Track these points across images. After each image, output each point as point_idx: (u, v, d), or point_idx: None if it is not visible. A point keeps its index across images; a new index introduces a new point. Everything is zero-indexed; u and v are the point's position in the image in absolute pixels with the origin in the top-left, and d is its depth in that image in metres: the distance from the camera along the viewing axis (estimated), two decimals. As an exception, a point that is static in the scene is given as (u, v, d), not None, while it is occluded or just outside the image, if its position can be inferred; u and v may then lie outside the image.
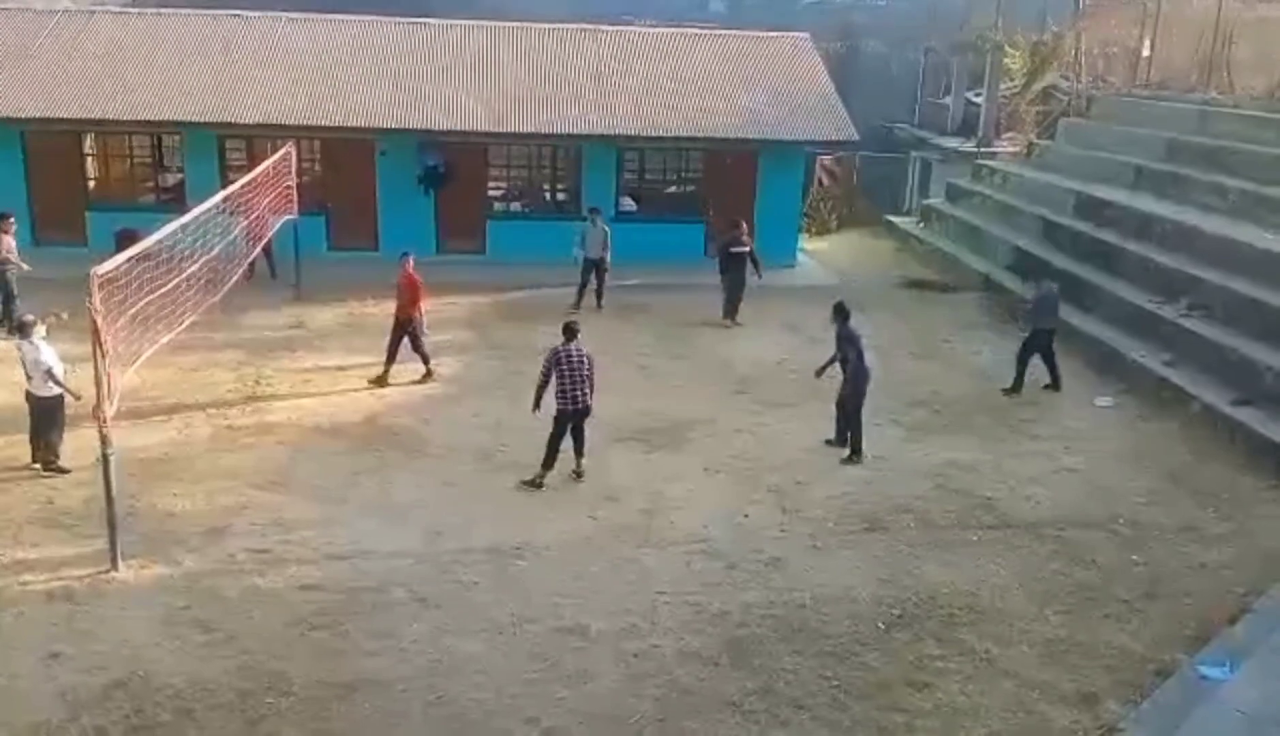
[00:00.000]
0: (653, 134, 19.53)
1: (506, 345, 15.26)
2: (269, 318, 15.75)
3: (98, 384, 8.65)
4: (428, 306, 13.84)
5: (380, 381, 13.41)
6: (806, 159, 22.03)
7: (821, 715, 7.38)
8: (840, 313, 11.88)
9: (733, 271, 16.64)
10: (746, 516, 10.33)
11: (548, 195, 21.43)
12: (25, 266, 14.82)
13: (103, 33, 20.22)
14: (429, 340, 13.76)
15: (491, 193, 20.80)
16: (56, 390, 10.48)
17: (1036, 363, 13.79)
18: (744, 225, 17.06)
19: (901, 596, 8.91)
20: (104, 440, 8.66)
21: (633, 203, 20.94)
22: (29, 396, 10.56)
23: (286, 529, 9.66)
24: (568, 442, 10.79)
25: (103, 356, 8.58)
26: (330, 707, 7.24)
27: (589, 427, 11.00)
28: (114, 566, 8.75)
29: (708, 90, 20.62)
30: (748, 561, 9.42)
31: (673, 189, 21.67)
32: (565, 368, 10.59)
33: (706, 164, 20.81)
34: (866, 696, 7.60)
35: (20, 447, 10.84)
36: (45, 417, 10.55)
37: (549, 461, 10.71)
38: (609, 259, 16.89)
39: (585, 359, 10.77)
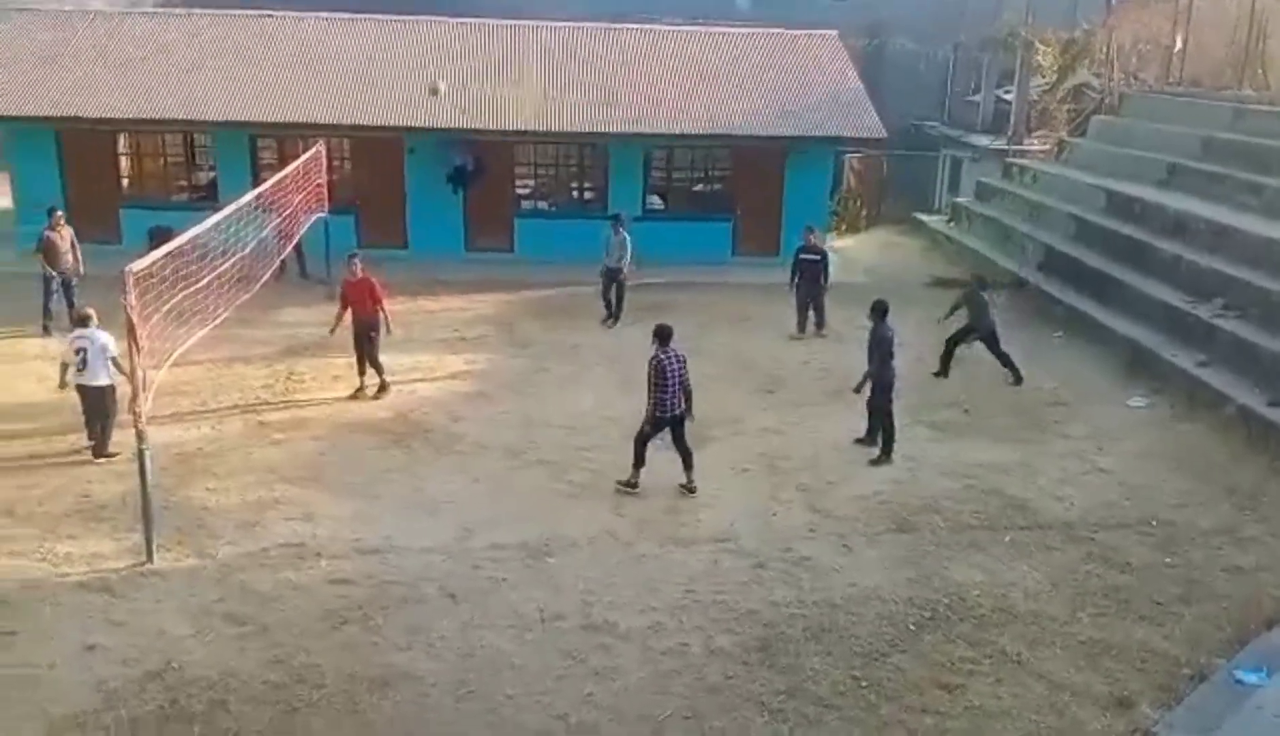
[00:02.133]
0: (680, 132, 19.53)
1: (535, 343, 15.32)
2: (299, 315, 15.88)
3: (133, 380, 8.77)
4: (460, 304, 13.84)
5: (381, 391, 12.95)
6: (835, 157, 21.97)
7: (851, 715, 7.36)
8: (877, 310, 11.82)
9: (805, 282, 15.95)
10: (775, 515, 10.31)
11: (575, 193, 21.49)
12: (82, 270, 14.90)
13: (136, 33, 20.49)
14: (456, 337, 13.78)
15: (520, 191, 20.88)
16: (107, 380, 10.74)
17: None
18: (816, 231, 16.49)
19: (932, 597, 8.86)
20: (139, 435, 8.77)
21: (660, 200, 20.95)
22: (81, 388, 10.82)
23: (318, 523, 9.75)
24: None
25: (137, 352, 8.69)
26: (361, 700, 7.30)
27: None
28: (149, 559, 8.87)
29: (735, 88, 20.59)
30: (776, 560, 9.41)
31: (700, 187, 21.66)
32: (668, 374, 10.31)
33: (734, 162, 20.78)
34: (896, 697, 7.56)
35: (57, 443, 11.04)
36: (99, 406, 10.83)
37: (640, 460, 10.53)
38: (626, 269, 16.26)
39: (683, 362, 10.55)
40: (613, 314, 16.36)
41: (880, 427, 11.66)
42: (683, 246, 19.50)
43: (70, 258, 14.93)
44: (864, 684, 7.70)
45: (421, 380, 13.57)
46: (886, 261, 21.77)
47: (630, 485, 10.58)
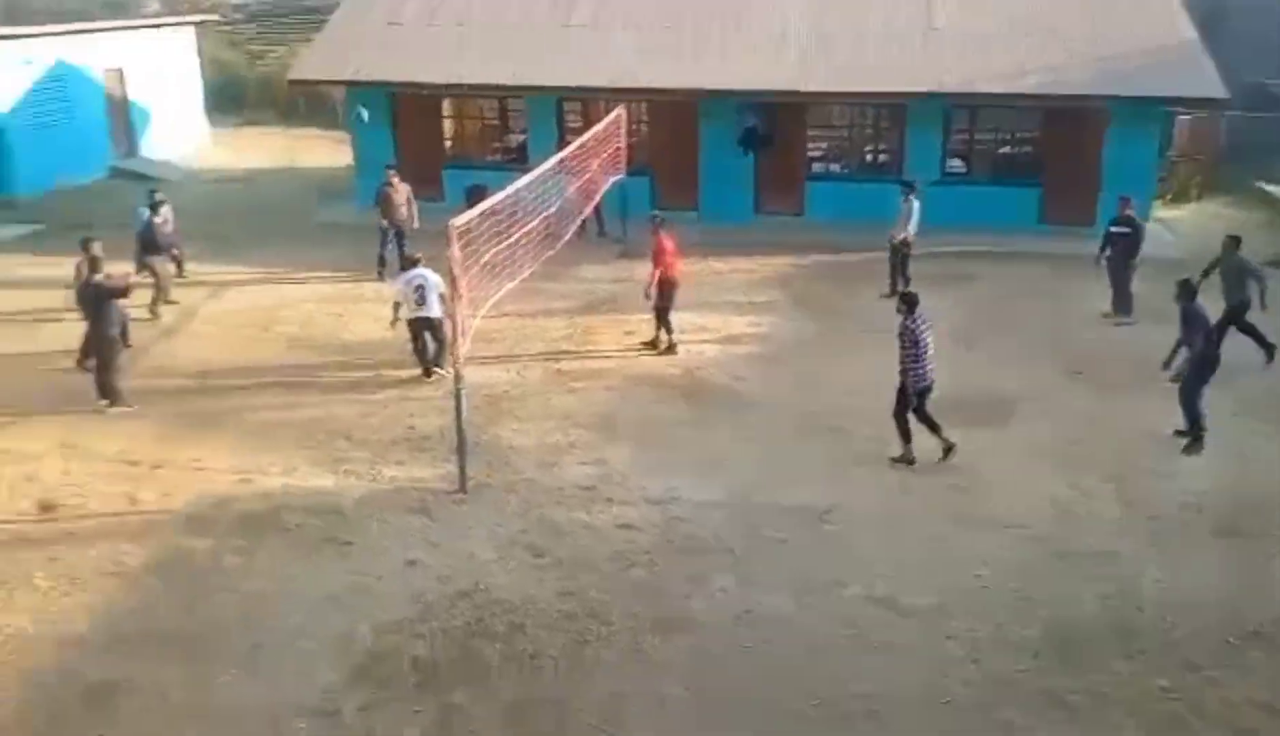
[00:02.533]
0: (987, 91, 18.40)
1: (820, 308, 15.15)
2: (598, 271, 16.62)
3: (453, 326, 9.56)
4: (748, 266, 13.92)
5: (668, 348, 13.26)
6: (1164, 118, 19.91)
7: (1156, 728, 6.80)
8: (1185, 290, 10.74)
9: (1115, 256, 14.60)
10: (1077, 504, 9.65)
11: (869, 156, 20.91)
12: (416, 224, 16.27)
13: (458, 5, 21.91)
14: (744, 300, 13.86)
15: (811, 153, 20.59)
16: (440, 312, 12.09)
17: None
18: (1130, 201, 15.01)
19: (1258, 609, 7.98)
20: (457, 376, 9.56)
21: (961, 163, 19.96)
22: (418, 321, 12.25)
23: (609, 469, 10.23)
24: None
25: (458, 301, 9.46)
26: (646, 641, 7.63)
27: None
28: (462, 488, 9.69)
29: (1049, 40, 19.09)
30: (1077, 552, 8.81)
31: (1006, 149, 20.40)
32: (920, 342, 10.07)
33: (1046, 123, 19.37)
34: (1209, 715, 6.90)
35: (387, 377, 12.33)
36: (436, 335, 12.32)
37: (907, 433, 10.32)
38: (899, 237, 15.25)
39: (931, 330, 10.30)
40: (893, 287, 15.68)
41: (1186, 412, 10.63)
42: (984, 213, 18.47)
43: (404, 211, 16.43)
44: (1172, 695, 7.08)
45: (708, 341, 13.82)
46: (1217, 235, 19.48)
47: (907, 460, 10.31)
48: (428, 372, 12.38)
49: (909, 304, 10.23)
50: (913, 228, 15.35)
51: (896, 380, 10.21)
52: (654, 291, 13.11)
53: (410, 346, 12.44)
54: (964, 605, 8.08)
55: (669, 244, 13.19)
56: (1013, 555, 8.79)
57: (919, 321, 10.11)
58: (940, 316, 14.60)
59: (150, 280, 14.55)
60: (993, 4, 19.97)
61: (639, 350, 13.45)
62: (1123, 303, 14.60)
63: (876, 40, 19.54)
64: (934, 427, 10.31)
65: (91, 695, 6.95)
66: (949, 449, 10.31)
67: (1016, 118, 19.91)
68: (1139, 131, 18.54)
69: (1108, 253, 14.77)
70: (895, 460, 10.36)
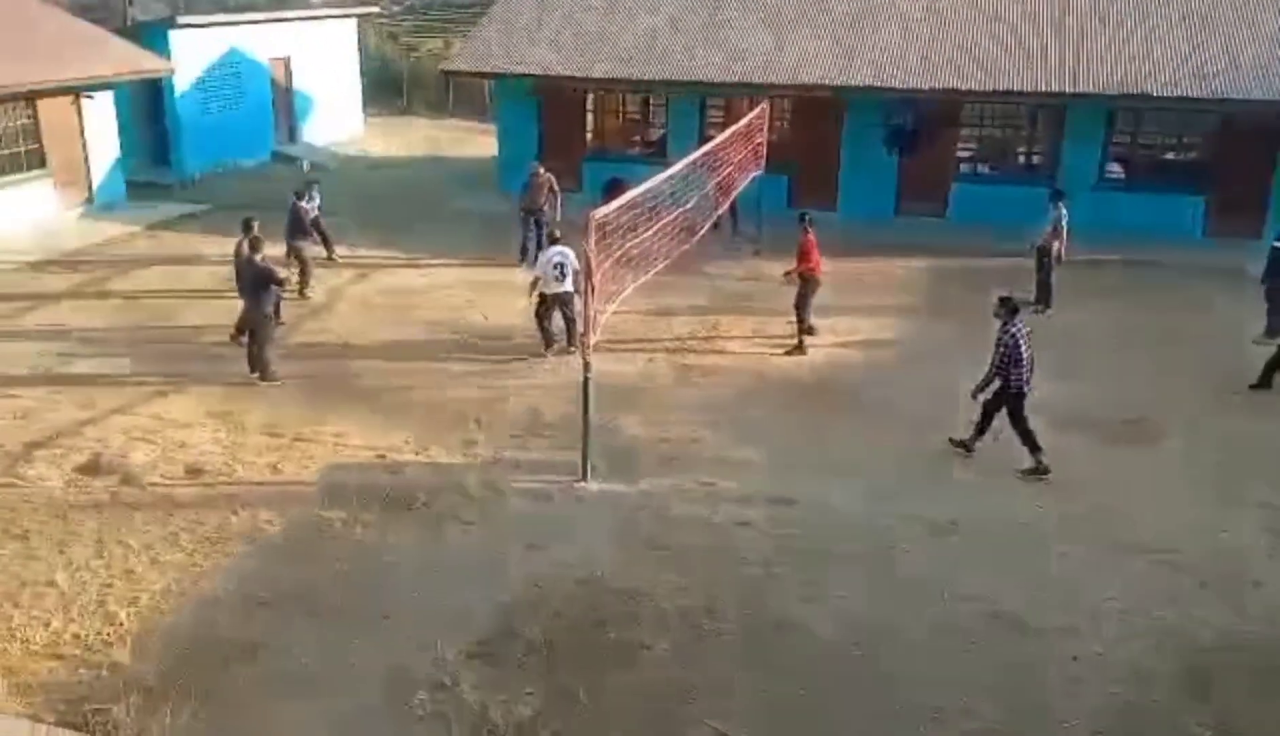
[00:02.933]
0: (1153, 94, 17.44)
1: (959, 314, 14.67)
2: (729, 269, 16.58)
3: (586, 315, 9.69)
4: (886, 269, 13.70)
5: (798, 348, 13.25)
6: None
7: (1301, 774, 6.36)
8: (1005, 306, 10.06)
9: (1275, 276, 13.54)
10: (1225, 531, 9.09)
11: (1021, 158, 20.14)
12: (559, 215, 16.60)
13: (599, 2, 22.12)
14: (878, 303, 13.60)
15: (960, 153, 19.98)
16: (570, 286, 12.64)
17: None
18: None
19: None
20: (586, 365, 9.70)
21: (1120, 168, 19.00)
22: (556, 297, 12.85)
23: (730, 466, 10.19)
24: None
25: (592, 292, 9.59)
26: (761, 641, 7.58)
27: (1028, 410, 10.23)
28: (584, 477, 9.83)
29: (1225, 37, 17.98)
30: (1222, 581, 8.31)
31: (1171, 154, 19.31)
32: (1022, 347, 9.85)
33: (1217, 127, 18.25)
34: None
35: (516, 365, 12.65)
36: (567, 311, 12.87)
37: (1035, 443, 10.00)
38: (1056, 247, 14.61)
39: (1030, 338, 10.03)
40: (1038, 295, 15.03)
41: None
42: (1144, 221, 17.64)
43: (545, 200, 16.75)
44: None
45: (839, 344, 13.59)
46: None
47: (1040, 471, 9.93)
48: (549, 346, 12.89)
49: (1010, 310, 9.97)
50: (1064, 238, 14.66)
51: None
52: (795, 279, 13.37)
53: (535, 323, 12.94)
54: (1094, 629, 7.72)
55: (814, 243, 13.30)
56: (1151, 580, 8.34)
57: (1018, 327, 9.85)
58: (1088, 328, 14.10)
59: (296, 265, 15.22)
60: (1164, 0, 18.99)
61: (772, 350, 13.35)
62: (1275, 326, 13.47)
63: (1037, 36, 18.81)
64: (977, 429, 10.21)
65: (228, 654, 7.36)
66: (1040, 470, 9.90)
67: (1185, 121, 18.83)
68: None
69: (1267, 273, 13.68)
70: (1026, 472, 10.00)
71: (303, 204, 15.65)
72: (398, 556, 8.63)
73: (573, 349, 12.55)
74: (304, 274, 15.29)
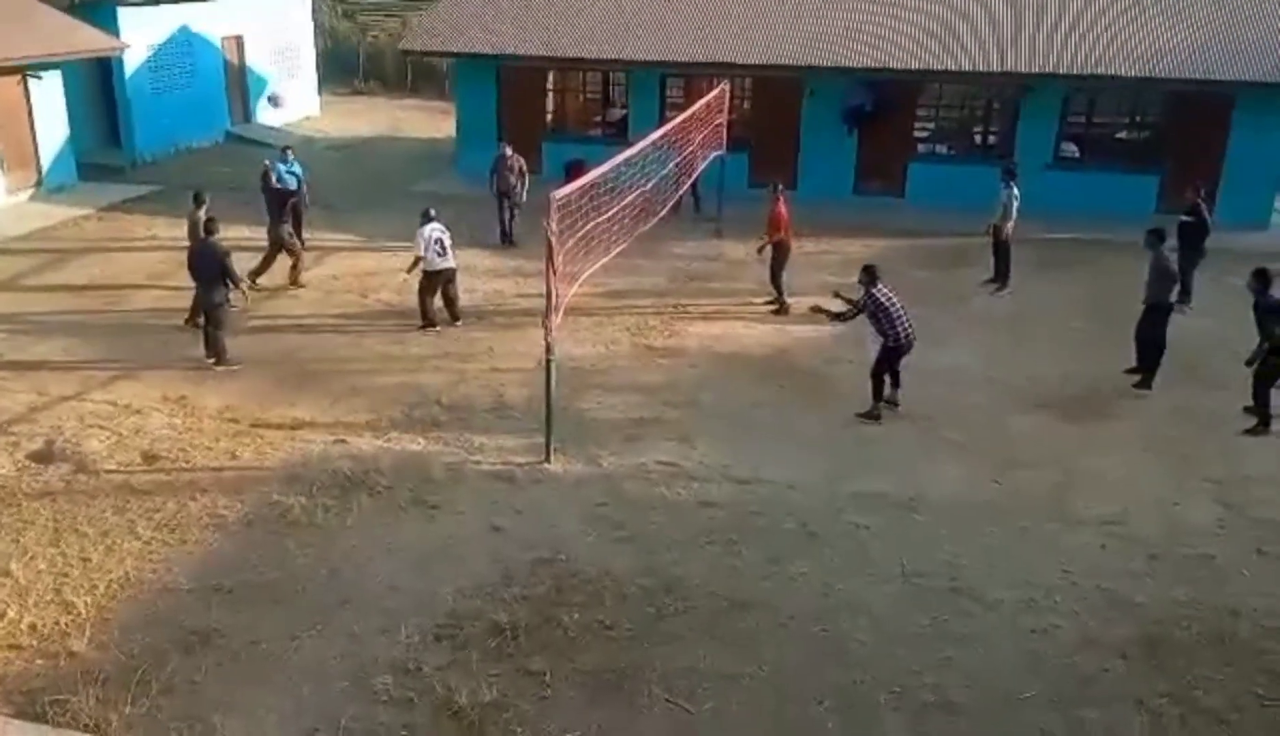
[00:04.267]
0: (1104, 73, 17.69)
1: (917, 293, 14.75)
2: (690, 249, 16.58)
3: (548, 296, 9.65)
4: (843, 248, 13.87)
5: (781, 308, 13.96)
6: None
7: (1248, 734, 6.55)
8: (1259, 278, 10.47)
9: (1184, 247, 14.00)
10: (1177, 504, 9.30)
11: (977, 138, 20.31)
12: (524, 197, 16.59)
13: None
14: (835, 281, 13.68)
15: (918, 134, 20.12)
16: (453, 262, 13.14)
17: None
18: (1199, 189, 14.50)
19: (1369, 625, 7.58)
20: (548, 347, 9.68)
21: (1075, 148, 19.24)
22: (441, 273, 12.94)
23: (692, 446, 10.24)
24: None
25: (553, 273, 9.55)
26: (722, 619, 7.64)
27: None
28: (547, 459, 9.83)
29: (1173, 18, 18.24)
30: (1173, 554, 8.50)
31: (1124, 134, 19.59)
32: (890, 306, 10.53)
33: (1169, 107, 18.54)
34: (1309, 728, 6.60)
35: (477, 349, 12.54)
36: (450, 287, 13.13)
37: (880, 394, 10.86)
38: (995, 225, 14.73)
39: (896, 295, 10.81)
40: (995, 273, 15.25)
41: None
42: (1099, 200, 17.91)
43: (512, 181, 16.65)
44: (1266, 702, 6.81)
45: (799, 322, 13.64)
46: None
47: (873, 416, 10.74)
48: (431, 325, 13.01)
49: (870, 278, 10.67)
50: (1013, 218, 14.84)
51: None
52: (767, 253, 13.99)
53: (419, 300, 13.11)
54: (1050, 601, 7.88)
55: (785, 212, 13.87)
56: (1104, 554, 8.52)
57: (881, 290, 10.59)
58: (1041, 305, 14.29)
59: (290, 257, 14.79)
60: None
61: (727, 326, 13.47)
62: (1185, 293, 13.85)
63: (995, 18, 18.96)
64: (892, 384, 10.91)
65: (187, 641, 7.29)
66: (890, 403, 10.88)
67: (1138, 101, 19.10)
68: (1266, 119, 17.60)
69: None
70: (860, 416, 10.74)
71: (273, 177, 14.98)
72: (359, 540, 8.58)
73: (458, 324, 13.01)
74: (295, 267, 14.84)
